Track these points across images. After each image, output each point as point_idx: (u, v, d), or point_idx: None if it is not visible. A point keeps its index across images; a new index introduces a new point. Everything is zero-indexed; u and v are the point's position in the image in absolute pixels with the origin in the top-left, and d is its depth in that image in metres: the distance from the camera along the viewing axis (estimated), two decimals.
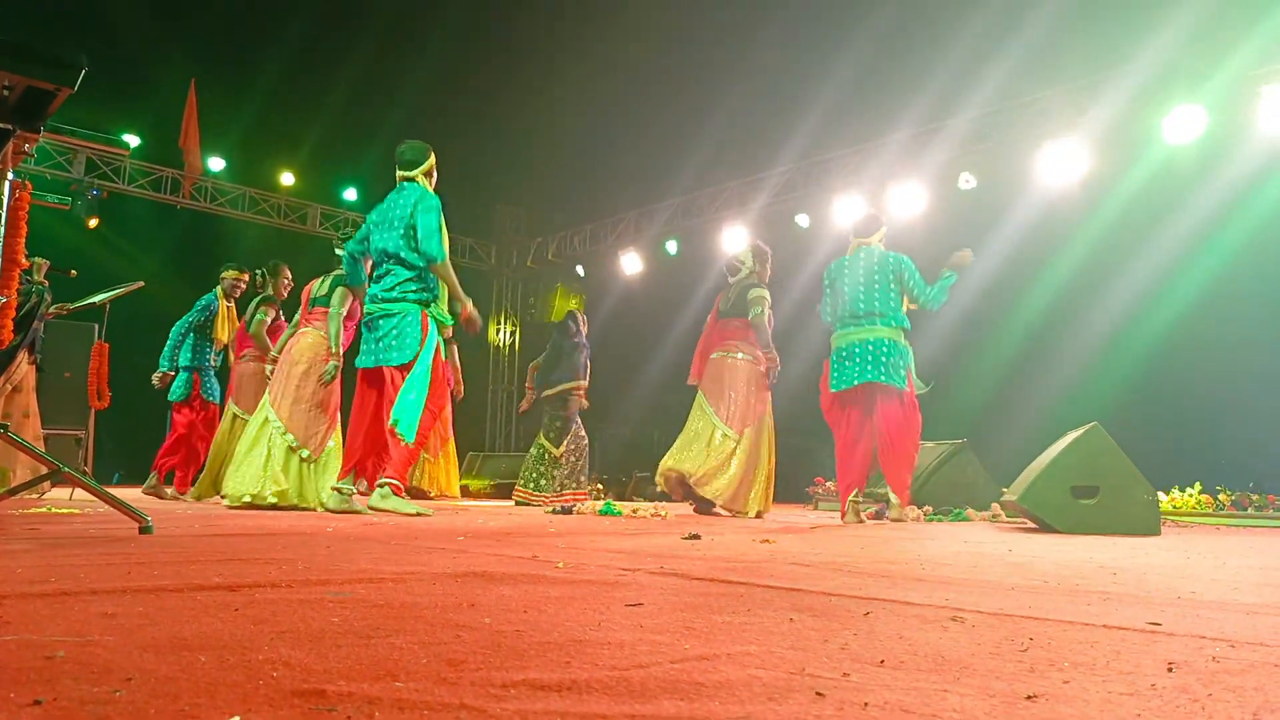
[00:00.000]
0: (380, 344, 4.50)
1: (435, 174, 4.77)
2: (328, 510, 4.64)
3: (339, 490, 4.59)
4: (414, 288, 4.51)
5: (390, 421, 4.40)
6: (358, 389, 4.77)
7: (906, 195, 8.73)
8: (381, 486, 4.45)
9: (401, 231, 4.50)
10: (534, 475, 6.99)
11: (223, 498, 5.57)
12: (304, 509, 4.93)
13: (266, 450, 5.03)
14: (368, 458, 4.61)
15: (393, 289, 4.51)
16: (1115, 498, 4.13)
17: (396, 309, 4.49)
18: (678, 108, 10.60)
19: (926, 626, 1.27)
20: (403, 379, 4.47)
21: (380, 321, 4.52)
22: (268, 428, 5.10)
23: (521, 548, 2.54)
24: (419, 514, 4.41)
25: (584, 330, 7.39)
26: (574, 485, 6.89)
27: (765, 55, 9.51)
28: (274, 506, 4.90)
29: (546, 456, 7.03)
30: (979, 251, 7.96)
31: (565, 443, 6.97)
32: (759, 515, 5.53)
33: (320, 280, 5.53)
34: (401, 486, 4.48)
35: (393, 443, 4.46)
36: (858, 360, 4.96)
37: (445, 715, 0.75)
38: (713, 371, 5.83)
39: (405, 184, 4.65)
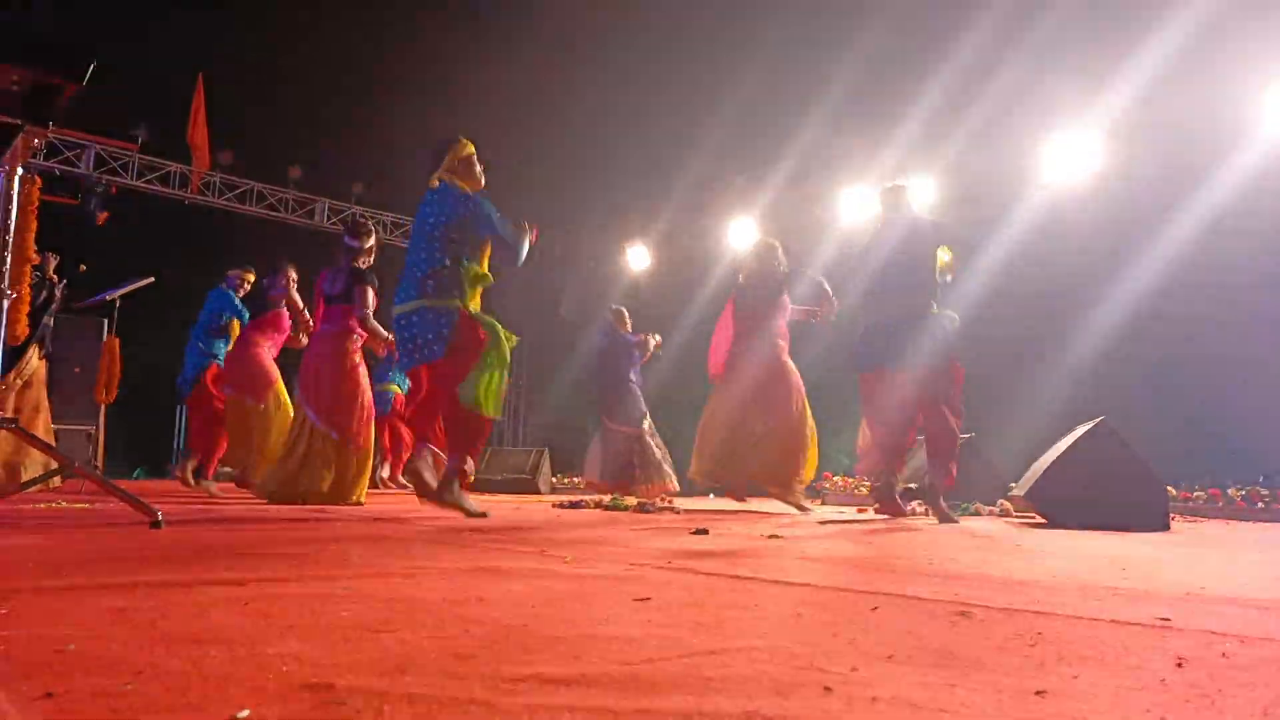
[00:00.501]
0: (416, 343, 4.20)
1: (474, 162, 4.51)
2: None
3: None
4: (431, 286, 4.23)
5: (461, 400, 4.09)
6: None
7: (915, 187, 8.69)
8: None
9: (428, 236, 4.28)
10: (619, 467, 7.16)
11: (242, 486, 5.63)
12: (346, 504, 4.99)
13: (307, 446, 5.08)
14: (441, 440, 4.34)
15: (415, 288, 4.25)
16: (1124, 492, 4.11)
17: (437, 306, 4.21)
18: (686, 100, 10.58)
19: (934, 621, 1.27)
20: (459, 368, 4.16)
21: (414, 317, 4.23)
22: (306, 425, 5.15)
23: (529, 543, 2.55)
24: (480, 514, 4.15)
25: (618, 328, 7.44)
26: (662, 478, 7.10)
27: (774, 48, 9.48)
28: (316, 501, 4.95)
29: (632, 442, 7.19)
30: (987, 243, 7.96)
31: (645, 425, 7.24)
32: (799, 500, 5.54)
33: (333, 277, 5.51)
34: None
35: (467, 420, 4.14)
36: (886, 339, 4.86)
37: (454, 709, 0.76)
38: (746, 366, 5.81)
39: (441, 183, 4.40)
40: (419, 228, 4.41)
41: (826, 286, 5.80)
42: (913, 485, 5.16)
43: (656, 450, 7.24)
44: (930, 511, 4.76)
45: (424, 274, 4.28)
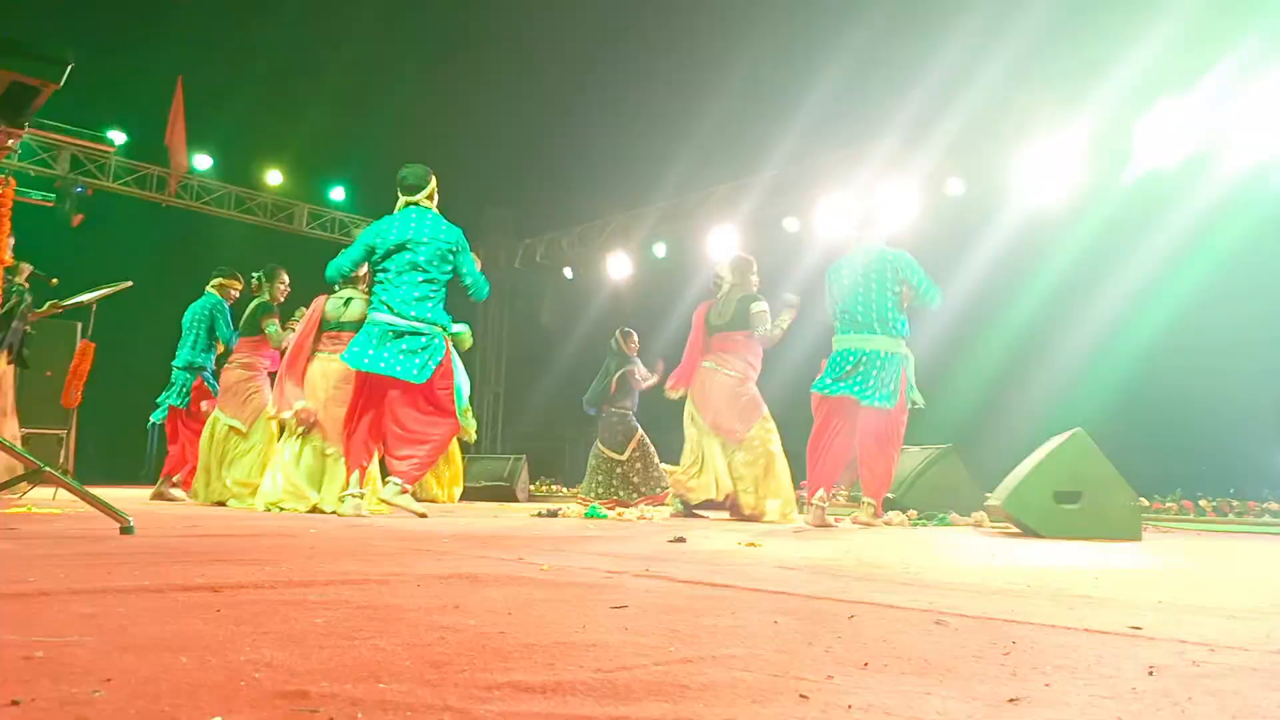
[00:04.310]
0: (406, 356, 4.56)
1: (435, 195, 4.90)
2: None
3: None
4: (431, 309, 4.69)
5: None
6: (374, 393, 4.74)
7: (894, 200, 8.76)
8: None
9: (440, 255, 4.69)
10: (597, 483, 7.25)
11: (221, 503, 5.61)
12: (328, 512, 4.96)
13: (318, 460, 5.11)
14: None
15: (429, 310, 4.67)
16: (1098, 503, 4.15)
17: (427, 330, 4.63)
18: (666, 111, 10.62)
19: (910, 629, 1.27)
20: (427, 394, 4.64)
21: (409, 338, 4.60)
22: (313, 439, 5.14)
23: (507, 550, 2.54)
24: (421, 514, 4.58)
25: (625, 347, 7.55)
26: (652, 489, 7.17)
27: (753, 59, 9.54)
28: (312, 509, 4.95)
29: (614, 465, 7.26)
30: (965, 257, 8.03)
31: (630, 448, 7.30)
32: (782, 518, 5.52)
33: (339, 301, 5.45)
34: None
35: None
36: (847, 369, 4.93)
37: (429, 717, 0.75)
38: (701, 382, 5.80)
39: (417, 209, 4.75)
40: (432, 245, 4.59)
41: (794, 298, 5.83)
42: (890, 495, 5.22)
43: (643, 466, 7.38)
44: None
45: (435, 294, 4.67)
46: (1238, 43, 6.75)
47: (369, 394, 4.70)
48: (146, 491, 6.82)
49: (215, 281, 6.74)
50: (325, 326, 5.40)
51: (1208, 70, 6.93)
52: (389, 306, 4.59)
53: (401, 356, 4.53)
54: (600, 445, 7.38)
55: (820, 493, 4.85)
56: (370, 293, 4.94)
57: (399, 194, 4.81)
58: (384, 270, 4.67)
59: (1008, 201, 8.11)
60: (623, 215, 12.00)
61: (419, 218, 4.73)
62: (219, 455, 5.97)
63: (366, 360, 4.56)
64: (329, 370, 5.26)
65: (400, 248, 4.64)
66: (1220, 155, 6.89)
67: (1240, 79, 6.81)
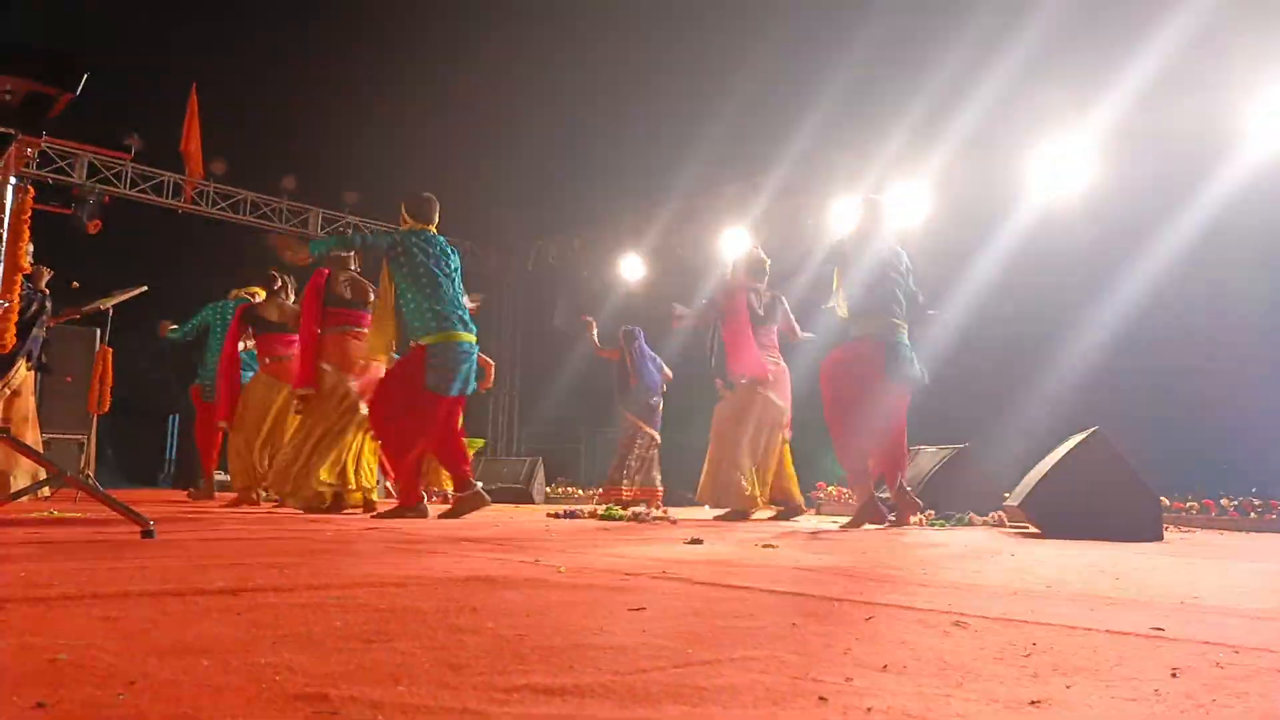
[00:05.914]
0: (471, 376, 4.80)
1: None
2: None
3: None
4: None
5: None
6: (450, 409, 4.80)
7: (907, 198, 8.73)
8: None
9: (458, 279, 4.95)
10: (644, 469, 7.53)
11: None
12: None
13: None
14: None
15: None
16: (1117, 503, 4.12)
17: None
18: (677, 110, 10.61)
19: (929, 631, 1.27)
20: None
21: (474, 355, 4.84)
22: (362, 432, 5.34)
23: (523, 552, 2.54)
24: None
25: (635, 343, 7.74)
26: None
27: (765, 58, 9.52)
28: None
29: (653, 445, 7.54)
30: (979, 254, 7.99)
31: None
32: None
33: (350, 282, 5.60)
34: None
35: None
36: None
37: (448, 719, 0.75)
38: (775, 376, 5.91)
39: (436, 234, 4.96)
40: (452, 265, 4.87)
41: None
42: (884, 495, 5.25)
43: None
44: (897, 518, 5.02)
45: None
46: (1250, 37, 6.68)
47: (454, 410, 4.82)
48: (166, 494, 6.85)
49: (237, 292, 6.89)
50: (330, 302, 5.45)
51: (1221, 65, 6.87)
52: (464, 323, 4.76)
53: (470, 375, 4.81)
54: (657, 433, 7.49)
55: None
56: (435, 304, 4.74)
57: (412, 218, 4.89)
58: (438, 285, 4.71)
59: (1021, 198, 8.06)
60: (635, 216, 11.99)
61: (439, 243, 4.90)
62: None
63: (459, 386, 4.69)
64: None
65: (447, 266, 4.84)
66: (1237, 149, 6.82)
67: (1252, 73, 6.74)
